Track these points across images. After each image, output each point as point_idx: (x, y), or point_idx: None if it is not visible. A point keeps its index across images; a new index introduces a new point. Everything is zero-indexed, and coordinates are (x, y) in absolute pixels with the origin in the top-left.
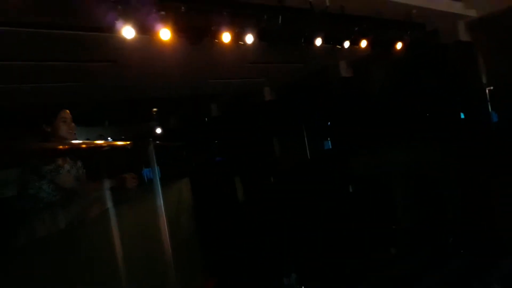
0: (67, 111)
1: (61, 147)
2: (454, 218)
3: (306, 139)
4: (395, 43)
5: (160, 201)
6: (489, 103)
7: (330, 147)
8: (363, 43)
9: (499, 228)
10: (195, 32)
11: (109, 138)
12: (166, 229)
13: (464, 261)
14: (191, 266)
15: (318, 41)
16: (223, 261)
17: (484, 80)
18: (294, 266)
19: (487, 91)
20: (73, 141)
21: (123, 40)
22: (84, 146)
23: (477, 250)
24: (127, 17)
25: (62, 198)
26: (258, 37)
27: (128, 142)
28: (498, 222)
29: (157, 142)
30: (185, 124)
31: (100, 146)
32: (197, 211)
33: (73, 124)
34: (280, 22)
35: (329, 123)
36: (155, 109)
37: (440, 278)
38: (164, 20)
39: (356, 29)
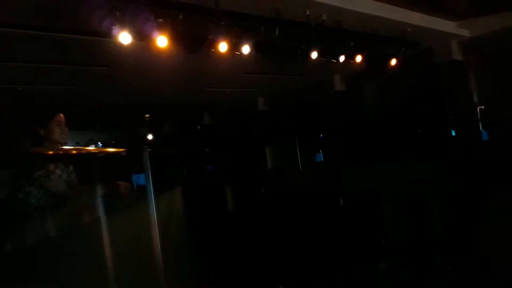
0: (62, 115)
1: (53, 152)
2: (442, 235)
3: (298, 151)
4: (389, 59)
5: (153, 209)
6: (480, 122)
7: (322, 159)
8: (358, 58)
9: (487, 247)
10: (192, 40)
11: (99, 143)
12: (158, 237)
13: (450, 280)
14: (181, 274)
15: (314, 55)
16: (212, 271)
17: (475, 99)
18: (282, 278)
19: (478, 110)
20: (67, 147)
21: (119, 46)
22: (78, 152)
23: (464, 269)
24: (125, 23)
25: (52, 203)
26: (255, 48)
27: (123, 149)
28: (486, 241)
29: (149, 149)
30: (177, 132)
31: (94, 152)
32: (187, 219)
33: (65, 128)
34: (277, 34)
35: (321, 135)
36: (147, 115)
37: None
38: (161, 28)
39: (351, 44)
